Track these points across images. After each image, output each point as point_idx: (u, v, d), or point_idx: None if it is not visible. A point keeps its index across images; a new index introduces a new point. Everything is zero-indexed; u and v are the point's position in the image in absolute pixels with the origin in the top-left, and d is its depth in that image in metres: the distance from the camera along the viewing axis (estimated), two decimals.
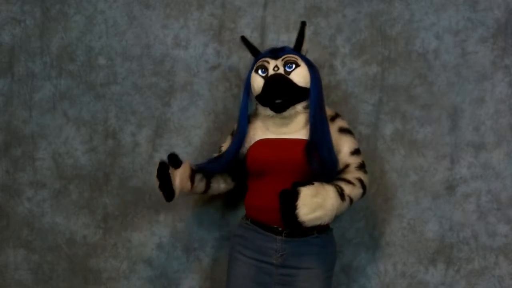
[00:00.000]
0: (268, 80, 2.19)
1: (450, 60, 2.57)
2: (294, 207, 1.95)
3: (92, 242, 2.74)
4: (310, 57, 2.58)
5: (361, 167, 2.26)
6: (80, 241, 2.75)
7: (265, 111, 2.25)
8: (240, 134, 2.28)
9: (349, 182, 2.16)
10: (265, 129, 2.28)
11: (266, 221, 2.21)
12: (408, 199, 2.60)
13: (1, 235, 2.77)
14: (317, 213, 1.99)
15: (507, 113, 2.55)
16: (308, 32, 2.60)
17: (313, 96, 2.22)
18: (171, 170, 2.17)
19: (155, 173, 2.17)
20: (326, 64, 2.61)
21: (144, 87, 2.69)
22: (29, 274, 2.77)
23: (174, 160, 2.22)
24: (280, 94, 2.18)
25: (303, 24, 2.31)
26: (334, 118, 2.30)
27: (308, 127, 2.22)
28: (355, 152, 2.27)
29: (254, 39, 2.58)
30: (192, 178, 2.27)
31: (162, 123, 2.69)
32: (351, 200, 2.13)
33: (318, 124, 2.19)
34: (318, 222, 2.00)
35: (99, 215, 2.74)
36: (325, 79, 2.60)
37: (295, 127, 2.24)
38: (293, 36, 2.59)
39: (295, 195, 1.96)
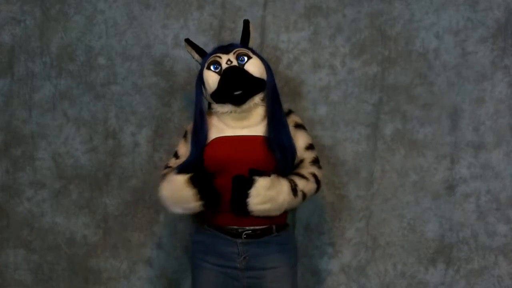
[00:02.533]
0: (224, 73, 2.14)
1: (450, 60, 2.57)
2: (246, 194, 2.03)
3: (92, 242, 2.74)
4: (310, 57, 2.61)
5: (315, 162, 2.26)
6: (80, 241, 2.75)
7: (222, 108, 2.19)
8: (202, 134, 2.21)
9: (303, 177, 2.18)
10: (222, 126, 2.21)
11: (225, 223, 2.17)
12: (408, 199, 2.60)
13: (1, 235, 2.77)
14: (267, 206, 2.06)
15: (507, 113, 2.55)
16: (308, 32, 2.61)
17: (269, 87, 2.21)
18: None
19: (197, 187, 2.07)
20: (326, 64, 2.61)
21: (144, 87, 2.69)
22: (29, 274, 2.77)
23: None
24: (238, 85, 2.13)
25: (246, 22, 2.31)
26: (288, 113, 2.30)
27: (265, 121, 2.20)
28: (310, 147, 2.28)
29: (254, 39, 2.57)
30: None
31: (162, 123, 2.69)
32: (304, 195, 2.15)
33: (276, 115, 2.19)
34: (265, 214, 2.08)
35: (99, 215, 2.74)
36: (325, 79, 2.61)
37: (255, 119, 2.20)
38: (293, 36, 2.62)
39: (249, 183, 2.03)
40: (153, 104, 2.69)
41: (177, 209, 2.16)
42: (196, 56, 2.32)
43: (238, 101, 2.15)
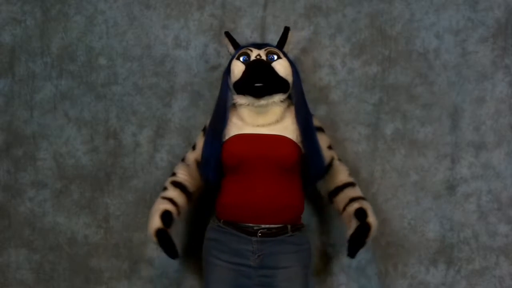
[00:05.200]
0: (250, 63, 2.21)
1: (451, 60, 2.56)
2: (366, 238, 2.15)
3: (93, 242, 2.75)
4: (310, 56, 2.61)
5: (340, 159, 2.39)
6: (81, 240, 2.75)
7: (241, 100, 2.25)
8: (222, 124, 2.26)
9: (354, 184, 2.34)
10: (240, 124, 2.26)
11: (240, 220, 2.20)
12: (408, 199, 2.60)
13: (3, 234, 2.78)
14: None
15: (508, 113, 2.54)
16: (308, 32, 2.61)
17: (297, 94, 2.28)
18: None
19: (154, 237, 2.18)
20: (326, 64, 2.61)
21: (145, 88, 2.70)
22: (31, 273, 2.78)
23: (169, 220, 2.21)
24: (261, 77, 2.19)
25: (286, 29, 2.36)
26: None
27: (283, 121, 2.26)
28: (330, 147, 2.38)
29: (254, 39, 2.58)
30: (178, 212, 2.31)
31: (163, 124, 2.69)
32: None
33: (310, 127, 2.26)
34: None
35: (100, 215, 2.74)
36: (325, 79, 2.61)
37: (271, 118, 2.24)
38: (293, 36, 2.60)
39: (367, 229, 2.15)
40: (153, 104, 2.69)
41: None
42: (231, 48, 2.37)
43: (258, 93, 2.20)
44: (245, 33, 2.63)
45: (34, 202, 2.76)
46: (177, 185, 2.33)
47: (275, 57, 2.24)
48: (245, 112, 2.25)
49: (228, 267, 2.19)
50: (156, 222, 2.18)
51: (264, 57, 2.22)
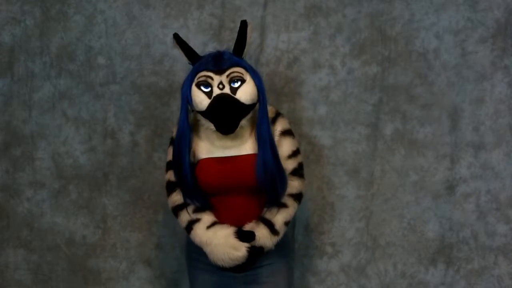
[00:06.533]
0: (214, 102, 2.03)
1: (450, 60, 2.57)
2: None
3: (91, 242, 2.74)
4: (310, 57, 2.61)
5: (296, 171, 2.20)
6: (79, 241, 2.74)
7: (209, 124, 2.09)
8: (185, 157, 2.13)
9: (280, 206, 2.15)
10: (209, 144, 2.16)
11: (220, 222, 2.15)
12: (408, 199, 2.60)
13: (1, 235, 2.77)
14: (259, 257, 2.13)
15: (507, 113, 2.55)
16: (308, 32, 2.61)
17: (261, 111, 2.13)
18: None
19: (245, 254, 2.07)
20: (326, 64, 2.61)
21: (144, 87, 2.69)
22: (29, 274, 2.77)
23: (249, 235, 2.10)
24: (228, 118, 2.04)
25: (243, 24, 2.13)
26: (275, 119, 2.20)
27: (251, 137, 2.15)
28: (293, 154, 2.20)
29: (254, 39, 2.58)
30: None
31: (161, 123, 2.69)
32: (286, 224, 2.15)
33: (267, 140, 2.12)
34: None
35: (98, 215, 2.73)
36: (325, 79, 2.60)
37: (240, 140, 2.14)
38: (293, 36, 2.62)
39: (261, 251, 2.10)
40: (152, 103, 2.69)
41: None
42: (183, 54, 2.19)
43: (226, 132, 2.08)
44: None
45: (32, 202, 2.75)
46: (202, 209, 2.17)
47: (239, 83, 2.05)
48: (213, 136, 2.14)
49: (212, 269, 2.16)
50: (237, 245, 2.07)
51: (227, 87, 2.04)
